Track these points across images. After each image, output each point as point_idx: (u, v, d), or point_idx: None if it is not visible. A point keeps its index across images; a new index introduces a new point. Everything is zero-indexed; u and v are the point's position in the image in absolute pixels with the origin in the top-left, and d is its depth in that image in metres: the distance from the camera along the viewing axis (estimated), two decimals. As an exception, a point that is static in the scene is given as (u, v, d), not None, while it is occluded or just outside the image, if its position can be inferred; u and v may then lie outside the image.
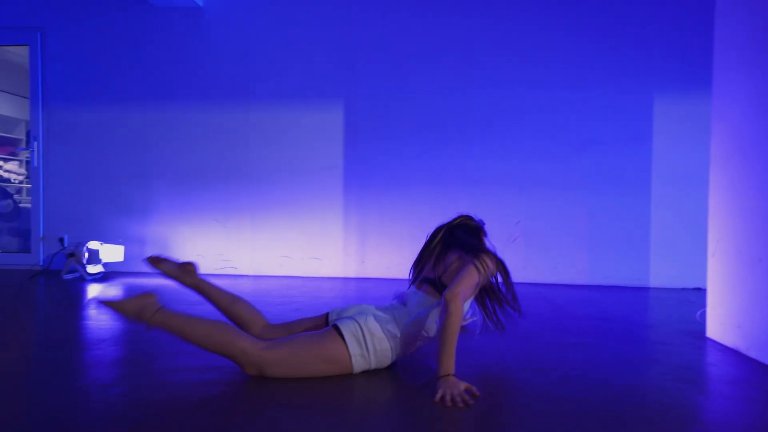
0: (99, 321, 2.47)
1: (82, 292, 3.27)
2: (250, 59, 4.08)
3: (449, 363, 1.51)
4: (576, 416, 1.38)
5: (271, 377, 1.60)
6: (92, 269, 3.72)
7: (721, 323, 2.14)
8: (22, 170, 7.03)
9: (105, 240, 4.04)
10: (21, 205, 4.83)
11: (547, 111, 3.83)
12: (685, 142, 3.72)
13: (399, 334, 1.68)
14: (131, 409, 1.40)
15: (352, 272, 4.02)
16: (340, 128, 4.03)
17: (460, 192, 3.92)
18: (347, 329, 1.63)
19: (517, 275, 3.86)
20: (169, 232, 4.16)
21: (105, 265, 3.88)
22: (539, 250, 3.85)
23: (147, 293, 1.69)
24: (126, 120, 4.18)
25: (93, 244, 3.74)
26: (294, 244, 4.07)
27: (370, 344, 1.63)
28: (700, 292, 3.57)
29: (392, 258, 3.97)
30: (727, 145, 2.15)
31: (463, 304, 1.57)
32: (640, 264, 3.78)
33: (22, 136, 7.03)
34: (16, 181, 6.83)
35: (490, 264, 1.73)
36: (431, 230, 1.95)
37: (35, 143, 4.20)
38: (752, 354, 1.92)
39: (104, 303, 1.65)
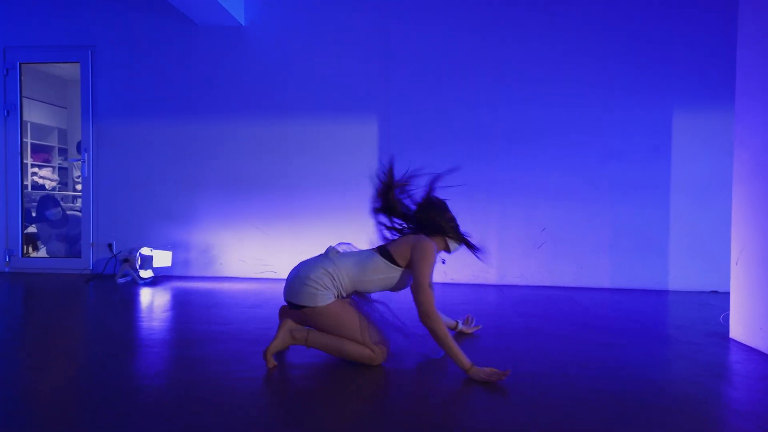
0: (154, 322, 2.71)
1: (136, 295, 3.53)
2: (290, 75, 4.32)
3: (462, 360, 1.84)
4: (622, 407, 1.62)
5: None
6: (144, 274, 3.97)
7: (744, 325, 2.37)
8: (55, 176, 7.30)
9: (150, 245, 4.29)
10: (68, 212, 5.08)
11: (572, 125, 4.06)
12: (701, 155, 3.94)
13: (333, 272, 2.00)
14: (188, 400, 1.64)
15: (385, 276, 4.26)
16: (375, 140, 4.26)
17: (490, 201, 4.15)
18: (304, 297, 1.96)
19: (544, 279, 4.11)
20: (212, 238, 4.40)
21: (155, 269, 4.12)
22: (564, 255, 4.08)
23: (283, 322, 2.03)
24: (171, 132, 4.42)
25: (145, 251, 3.99)
26: (330, 249, 4.30)
27: (317, 285, 1.96)
28: (717, 295, 3.79)
29: (424, 263, 4.20)
30: (748, 166, 2.38)
31: (433, 310, 1.88)
32: (660, 268, 4.00)
33: (55, 144, 7.30)
34: (50, 187, 7.10)
35: (435, 247, 2.04)
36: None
37: (86, 154, 4.45)
38: (774, 353, 2.15)
39: (265, 355, 1.98)
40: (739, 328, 2.41)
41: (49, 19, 4.49)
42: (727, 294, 3.77)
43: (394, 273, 2.03)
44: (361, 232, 4.31)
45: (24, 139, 6.71)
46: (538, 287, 4.04)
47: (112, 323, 2.76)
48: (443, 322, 1.89)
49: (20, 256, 4.55)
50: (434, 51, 4.19)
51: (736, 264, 2.45)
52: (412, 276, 1.96)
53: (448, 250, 2.17)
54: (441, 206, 2.18)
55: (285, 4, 4.32)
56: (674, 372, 2.03)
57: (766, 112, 2.25)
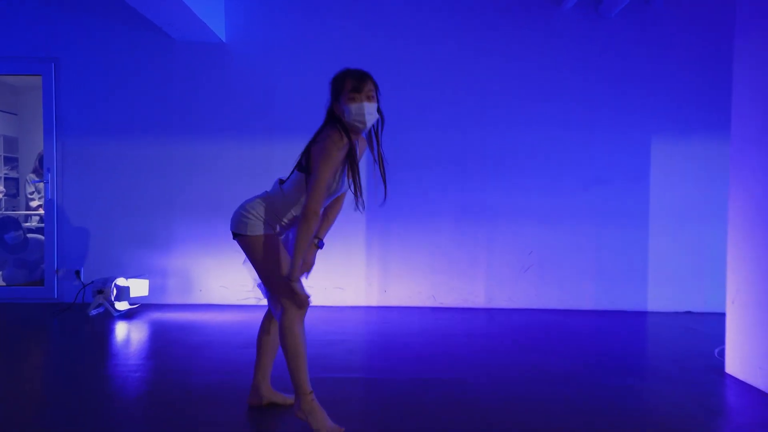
0: (136, 372, 2.55)
1: (112, 331, 3.32)
2: (275, 93, 4.17)
3: (294, 269, 1.79)
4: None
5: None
6: (120, 306, 3.72)
7: (741, 362, 2.49)
8: (1, 188, 6.74)
9: (124, 273, 4.04)
10: (29, 235, 4.68)
11: (556, 150, 4.14)
12: (678, 179, 4.13)
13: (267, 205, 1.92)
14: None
15: (374, 301, 4.21)
16: (364, 160, 4.17)
17: (479, 224, 4.17)
18: (237, 224, 1.93)
19: (531, 302, 4.17)
20: (192, 264, 4.19)
21: (131, 299, 3.87)
22: (551, 278, 4.16)
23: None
24: (147, 152, 4.17)
25: (121, 281, 3.74)
26: (317, 273, 4.17)
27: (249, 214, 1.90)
28: (692, 315, 3.99)
29: (413, 287, 4.18)
30: (746, 213, 2.49)
31: (311, 219, 1.79)
32: (639, 290, 4.16)
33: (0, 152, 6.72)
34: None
35: (337, 141, 1.80)
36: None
37: (49, 174, 4.12)
38: (772, 392, 2.27)
39: None
40: (735, 365, 2.53)
41: (8, 29, 4.11)
42: (703, 314, 3.99)
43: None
44: (348, 256, 4.25)
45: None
46: (526, 310, 4.11)
47: (65, 362, 2.56)
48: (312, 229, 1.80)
49: (-27, 284, 4.16)
50: (421, 70, 4.15)
51: (733, 303, 2.57)
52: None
53: (360, 125, 1.84)
54: (334, 82, 1.91)
55: (268, 20, 4.16)
56: (682, 413, 2.08)
57: (762, 155, 2.37)
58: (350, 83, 1.86)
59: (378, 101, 1.93)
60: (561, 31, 4.12)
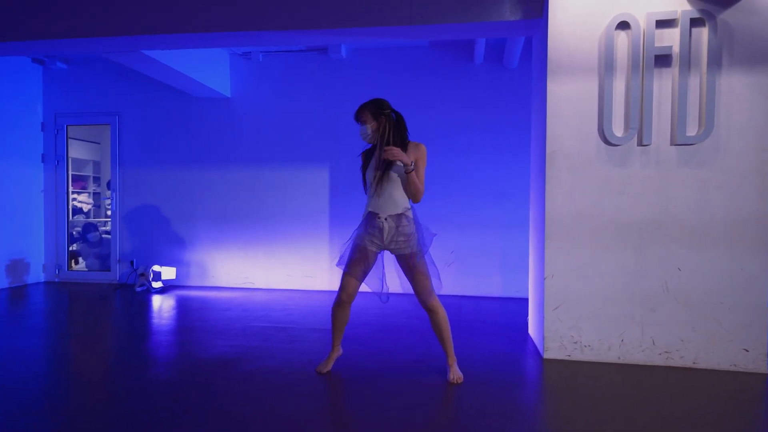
0: (163, 321, 4.09)
1: (149, 300, 4.95)
2: (264, 132, 5.69)
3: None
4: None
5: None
6: (155, 285, 5.38)
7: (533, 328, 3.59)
8: (90, 200, 8.86)
9: (161, 263, 5.71)
10: (104, 236, 6.57)
11: (474, 171, 5.30)
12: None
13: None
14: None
15: (336, 286, 5.58)
16: (326, 183, 5.60)
17: (413, 229, 5.42)
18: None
19: (452, 289, 5.34)
20: (206, 257, 5.81)
21: (164, 281, 5.54)
22: (468, 270, 5.32)
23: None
24: (175, 177, 5.85)
25: (156, 267, 5.41)
26: (295, 266, 5.66)
27: None
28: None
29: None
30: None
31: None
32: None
33: (90, 173, 8.86)
34: (86, 210, 8.65)
35: None
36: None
37: (114, 193, 5.91)
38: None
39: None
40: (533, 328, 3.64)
41: (87, 93, 5.98)
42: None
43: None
44: (316, 252, 5.65)
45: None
46: (450, 296, 5.30)
47: (123, 320, 4.15)
48: None
49: (66, 270, 6.04)
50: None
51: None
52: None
53: (363, 138, 2.72)
54: None
55: (260, 80, 5.69)
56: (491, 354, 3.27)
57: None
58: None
59: (367, 124, 2.69)
60: (473, 82, 5.28)
